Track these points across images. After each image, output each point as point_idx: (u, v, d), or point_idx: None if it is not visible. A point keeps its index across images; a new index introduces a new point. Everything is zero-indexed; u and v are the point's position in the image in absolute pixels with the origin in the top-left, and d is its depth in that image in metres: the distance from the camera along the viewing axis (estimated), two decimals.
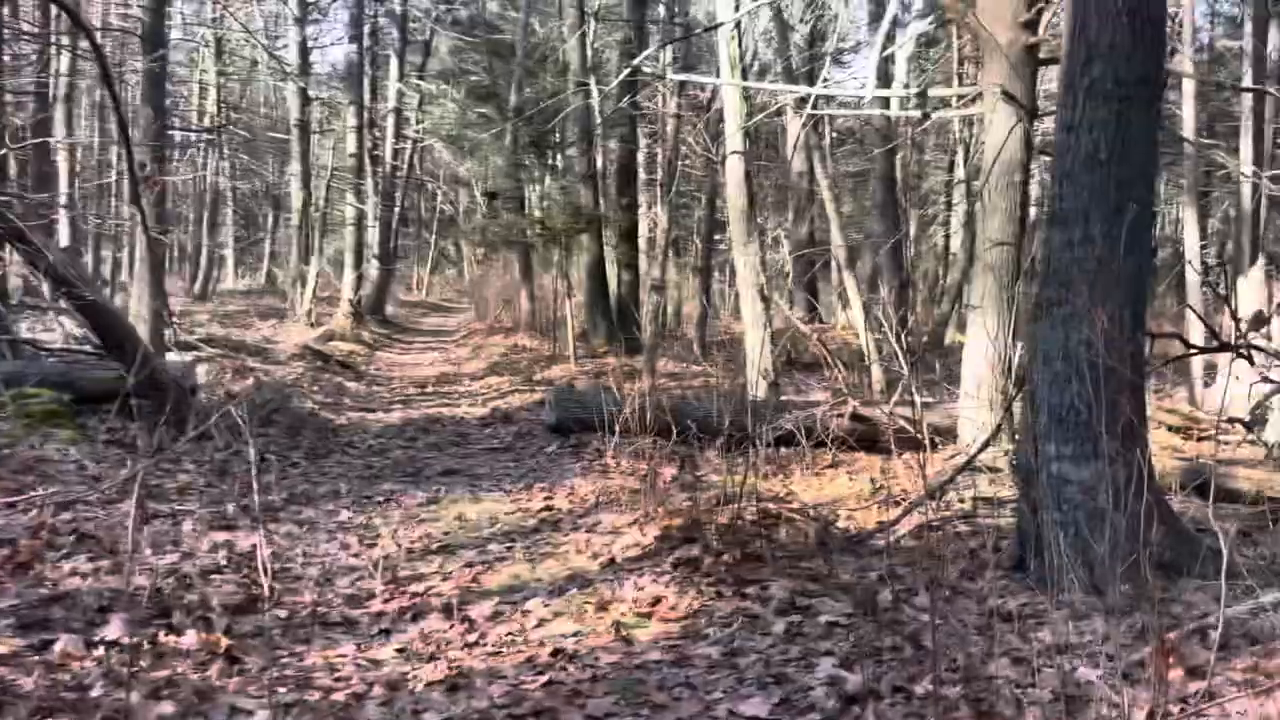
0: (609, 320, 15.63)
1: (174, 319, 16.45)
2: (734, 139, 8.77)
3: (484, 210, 24.35)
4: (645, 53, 10.94)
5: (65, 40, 16.94)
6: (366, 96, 26.50)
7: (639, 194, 16.07)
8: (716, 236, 17.20)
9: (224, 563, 4.31)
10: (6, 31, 12.29)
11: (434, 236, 37.72)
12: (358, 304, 21.23)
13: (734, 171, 8.90)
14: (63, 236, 15.99)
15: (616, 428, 6.81)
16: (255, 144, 33.31)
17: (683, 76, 9.55)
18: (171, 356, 11.88)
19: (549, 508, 5.70)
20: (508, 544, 4.96)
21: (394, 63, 24.99)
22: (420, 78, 26.47)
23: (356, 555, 4.76)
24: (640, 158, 18.19)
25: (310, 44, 25.53)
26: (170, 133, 18.74)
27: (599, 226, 15.17)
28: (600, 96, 13.65)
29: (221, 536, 4.76)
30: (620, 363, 13.84)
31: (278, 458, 6.94)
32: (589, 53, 14.29)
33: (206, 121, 27.61)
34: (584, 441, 7.45)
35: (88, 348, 7.87)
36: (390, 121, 25.40)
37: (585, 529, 5.16)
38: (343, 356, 14.85)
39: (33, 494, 4.58)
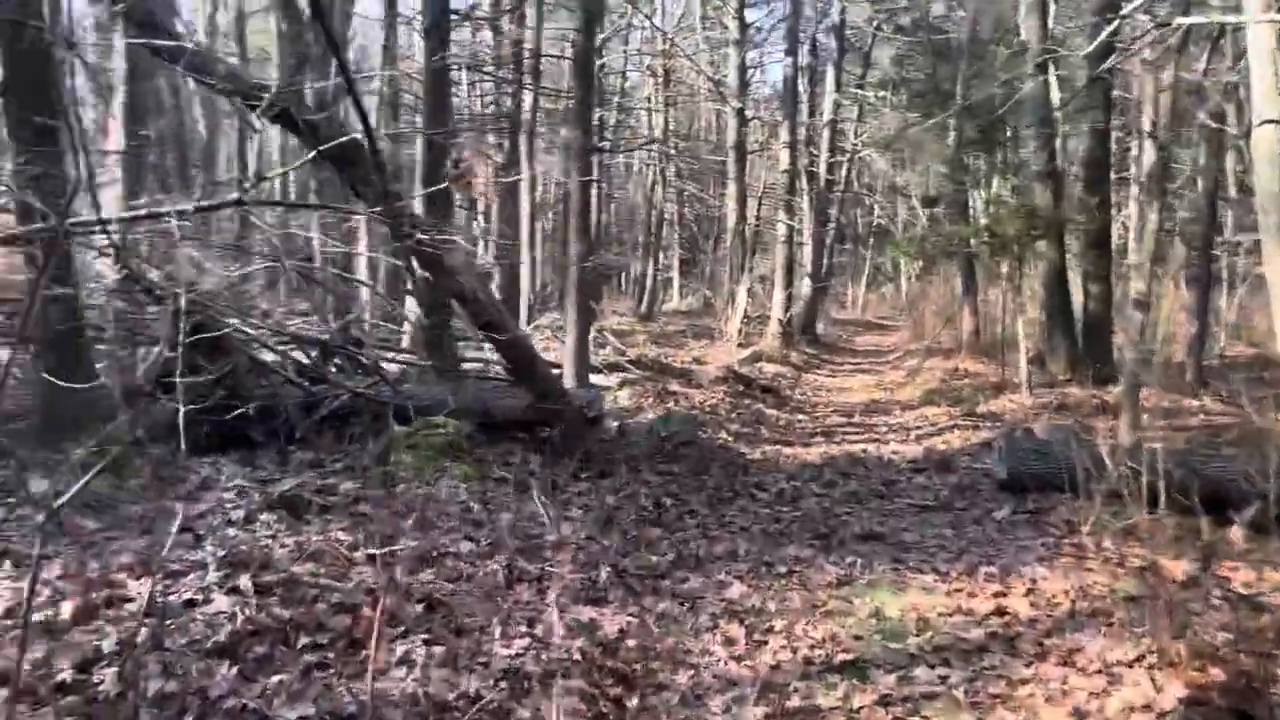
0: (1070, 342, 13.20)
1: (605, 337, 17.01)
2: (1270, 100, 6.43)
3: (923, 221, 22.56)
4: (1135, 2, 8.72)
5: (523, 78, 18.44)
6: (803, 112, 26.10)
7: (1111, 191, 13.42)
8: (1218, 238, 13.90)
9: (577, 657, 3.46)
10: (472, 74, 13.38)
11: (869, 251, 36.39)
12: (787, 323, 20.64)
13: (1268, 145, 6.54)
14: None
15: (1095, 493, 5.06)
16: (699, 169, 34.60)
17: (1191, 20, 7.30)
18: (598, 379, 11.97)
19: (1001, 611, 4.19)
20: (941, 670, 3.58)
21: (830, 75, 24.20)
22: (859, 87, 25.42)
23: (739, 659, 3.69)
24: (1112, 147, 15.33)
25: (749, 66, 25.73)
26: (605, 154, 19.57)
27: (1059, 231, 12.86)
28: (1060, 81, 11.48)
29: (587, 613, 3.96)
30: (1086, 394, 11.52)
31: (674, 502, 6.16)
32: (1049, 23, 12.13)
33: (656, 149, 29.05)
34: (1045, 506, 5.76)
35: (500, 373, 7.81)
36: (825, 135, 24.64)
37: (1057, 658, 3.61)
38: (766, 380, 14.15)
39: (392, 548, 4.13)
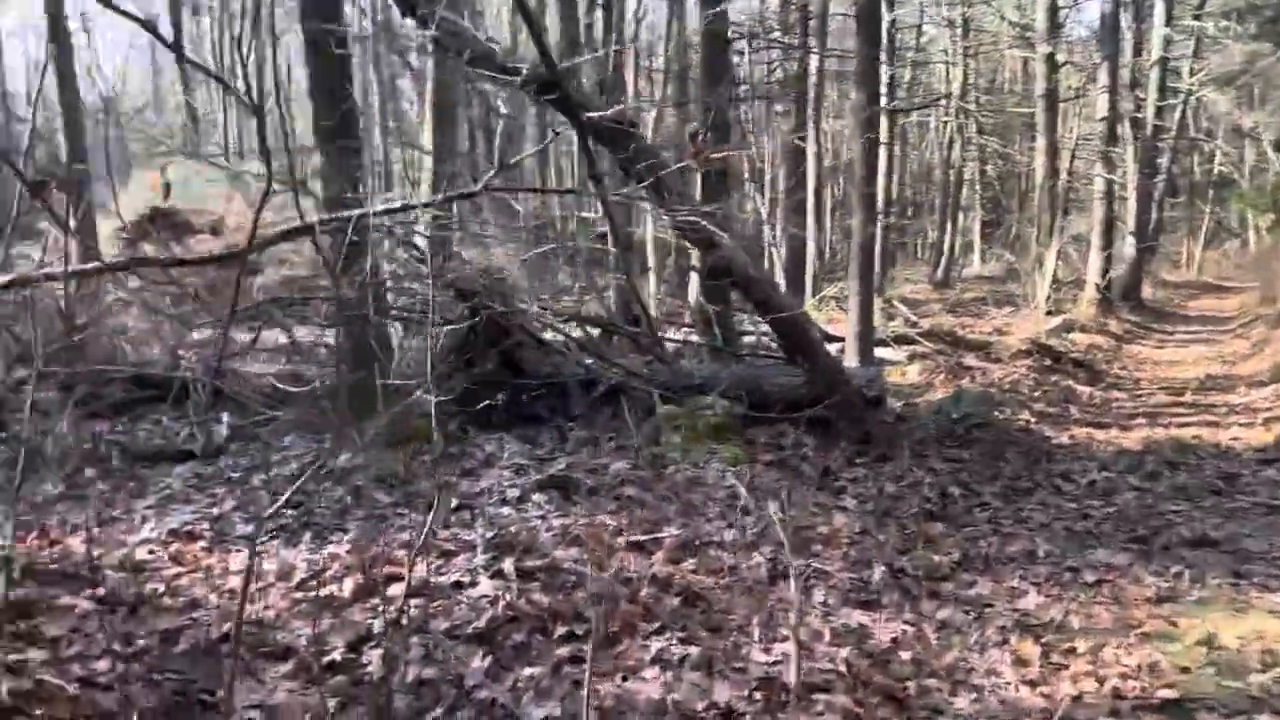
0: None
1: (895, 307, 16.18)
2: None
3: (1276, 167, 19.52)
4: None
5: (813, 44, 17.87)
6: (1126, 52, 23.33)
7: None
8: None
9: (842, 668, 3.18)
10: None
11: (1208, 205, 32.05)
12: (1105, 288, 18.64)
13: None
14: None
15: None
16: (1002, 124, 32.11)
17: None
18: (885, 352, 11.39)
19: None
20: None
21: (1160, 6, 21.39)
22: (1196, 18, 22.30)
23: (1032, 685, 3.23)
24: None
25: (1060, 5, 23.41)
26: (896, 115, 18.54)
27: None
28: None
29: (856, 618, 3.66)
30: None
31: (964, 492, 5.63)
32: None
33: (952, 105, 27.29)
34: None
35: (776, 351, 7.54)
36: (1154, 76, 21.84)
37: None
38: (1078, 353, 12.81)
39: (655, 535, 4.04)
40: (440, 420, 6.25)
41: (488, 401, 6.36)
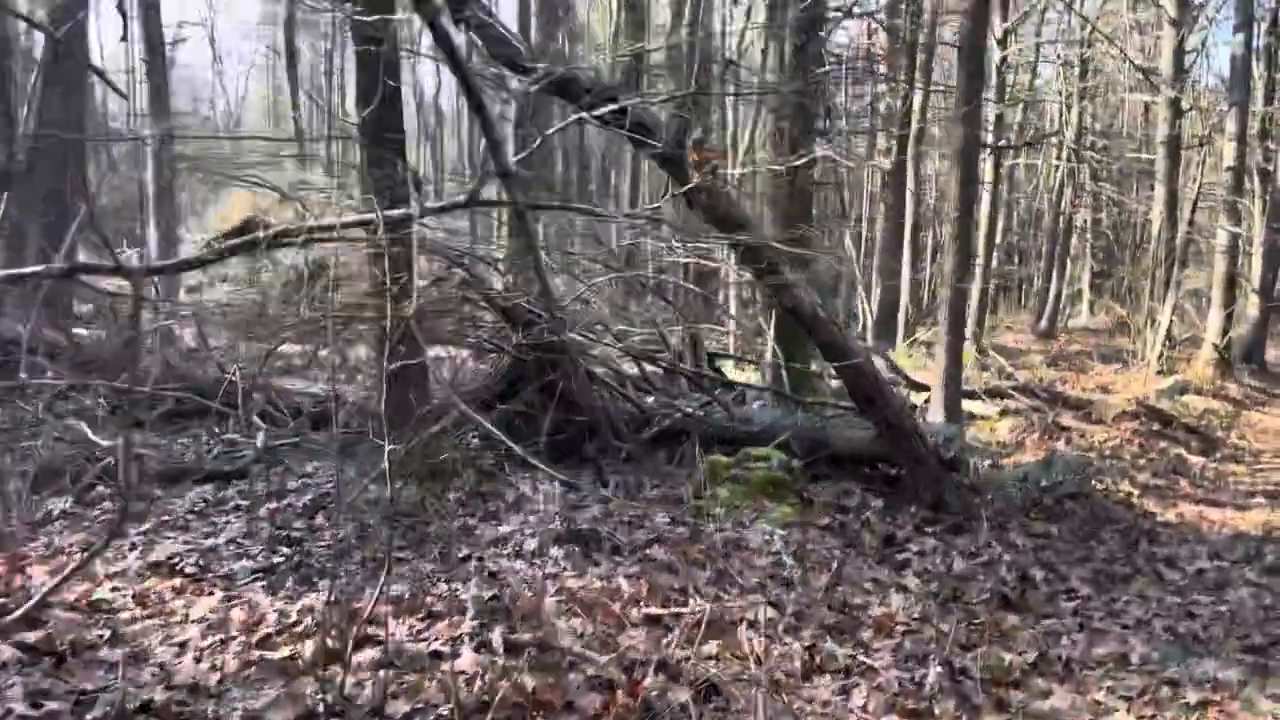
0: None
1: (991, 356, 15.29)
2: None
3: None
4: None
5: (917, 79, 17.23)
6: (1258, 99, 21.94)
7: None
8: None
9: None
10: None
11: None
12: (1224, 349, 17.33)
13: None
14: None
15: None
16: (1119, 170, 30.67)
17: None
18: (975, 405, 10.63)
19: None
20: None
21: None
22: None
23: None
24: None
25: (1188, 50, 22.21)
26: (1002, 156, 17.66)
27: None
28: None
29: None
30: None
31: (1047, 575, 4.95)
32: None
33: (1064, 148, 26.11)
34: None
35: (846, 401, 6.95)
36: None
37: None
38: (1191, 418, 11.79)
39: (676, 610, 3.53)
40: (476, 455, 5.92)
41: (534, 439, 6.01)
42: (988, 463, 7.73)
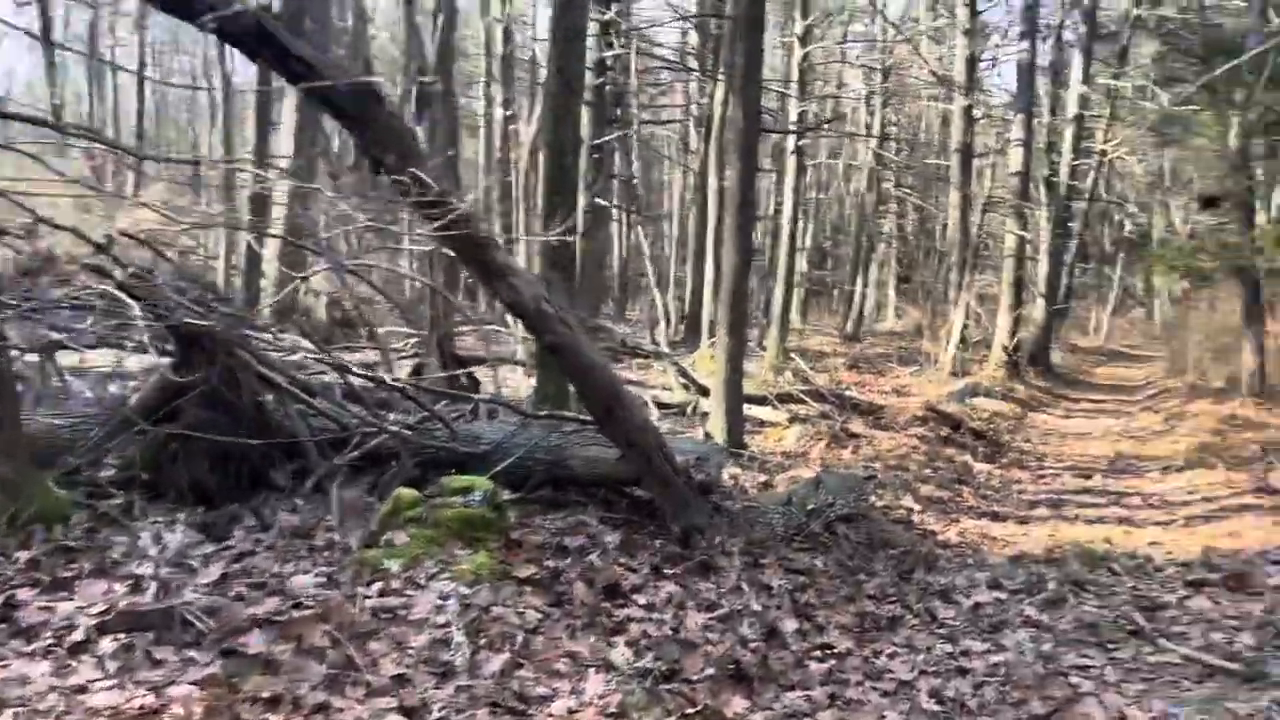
0: None
1: (793, 360, 14.87)
2: None
3: (1189, 229, 18.92)
4: None
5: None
6: (1043, 111, 22.81)
7: None
8: None
9: None
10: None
11: (1116, 271, 31.89)
12: (1014, 351, 17.67)
13: None
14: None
15: None
16: (920, 177, 31.64)
17: None
18: (764, 412, 9.95)
19: None
20: None
21: (1077, 62, 20.85)
22: (1115, 77, 21.82)
23: None
24: None
25: (980, 59, 22.82)
26: (805, 156, 17.38)
27: None
28: None
29: None
30: None
31: (801, 626, 4.07)
32: None
33: (867, 153, 26.53)
34: None
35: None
36: (1069, 134, 21.26)
37: None
38: (979, 422, 11.57)
39: None
40: (94, 493, 4.53)
41: (182, 464, 4.72)
42: (762, 479, 6.94)
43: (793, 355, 16.77)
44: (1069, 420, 14.00)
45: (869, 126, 26.89)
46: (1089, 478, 8.91)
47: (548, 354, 4.64)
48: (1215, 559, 5.53)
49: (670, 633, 3.67)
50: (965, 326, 17.80)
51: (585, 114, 13.83)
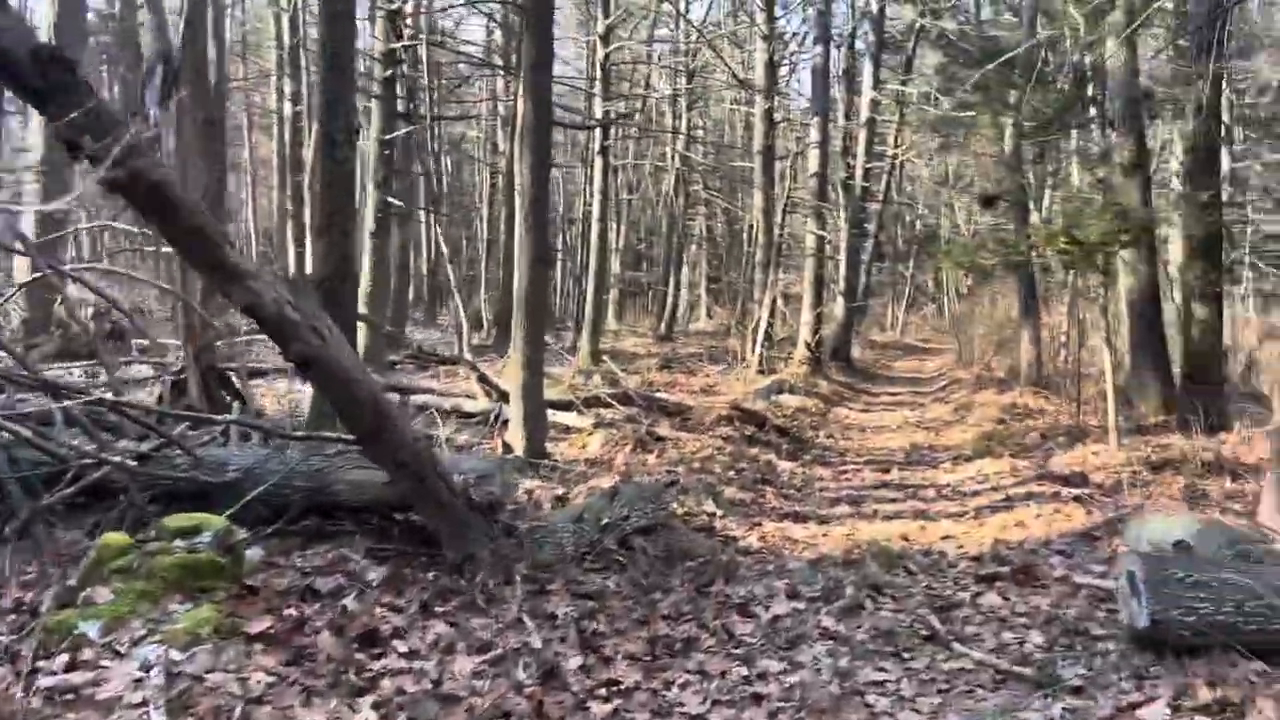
0: (1164, 377, 10.61)
1: (601, 362, 14.61)
2: None
3: (974, 224, 20.02)
4: None
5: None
6: (838, 115, 23.66)
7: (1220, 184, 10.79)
8: None
9: None
10: None
11: (909, 269, 33.67)
12: (816, 347, 18.12)
13: None
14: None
15: None
16: (728, 179, 32.28)
17: None
18: (569, 418, 9.59)
19: None
20: None
21: (868, 69, 21.74)
22: (903, 84, 22.88)
23: None
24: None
25: (779, 63, 23.41)
26: (607, 150, 17.21)
27: (1150, 238, 10.30)
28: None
29: None
30: (1193, 446, 8.91)
31: (586, 660, 3.70)
32: None
33: (677, 160, 26.78)
34: (1230, 697, 3.22)
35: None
36: (862, 138, 22.14)
37: None
38: (784, 419, 11.64)
39: None
40: None
41: None
42: (560, 491, 6.55)
43: (604, 358, 16.56)
44: (869, 414, 14.41)
45: (676, 128, 27.19)
46: (887, 471, 9.05)
47: (293, 363, 4.04)
48: (1004, 551, 5.59)
49: (431, 686, 3.20)
50: (771, 325, 18.12)
51: (376, 108, 13.10)
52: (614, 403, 10.45)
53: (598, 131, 17.35)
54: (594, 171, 17.96)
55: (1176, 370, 10.55)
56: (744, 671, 3.81)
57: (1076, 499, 6.78)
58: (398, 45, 12.53)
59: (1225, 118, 15.21)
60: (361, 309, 12.65)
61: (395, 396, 10.52)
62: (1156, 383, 10.55)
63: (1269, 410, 10.35)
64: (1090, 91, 11.46)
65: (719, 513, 6.57)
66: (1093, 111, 12.26)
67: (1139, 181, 10.02)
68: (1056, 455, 9.13)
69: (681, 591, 4.73)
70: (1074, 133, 12.51)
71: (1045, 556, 5.36)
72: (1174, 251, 11.78)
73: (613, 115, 17.54)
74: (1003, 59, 9.33)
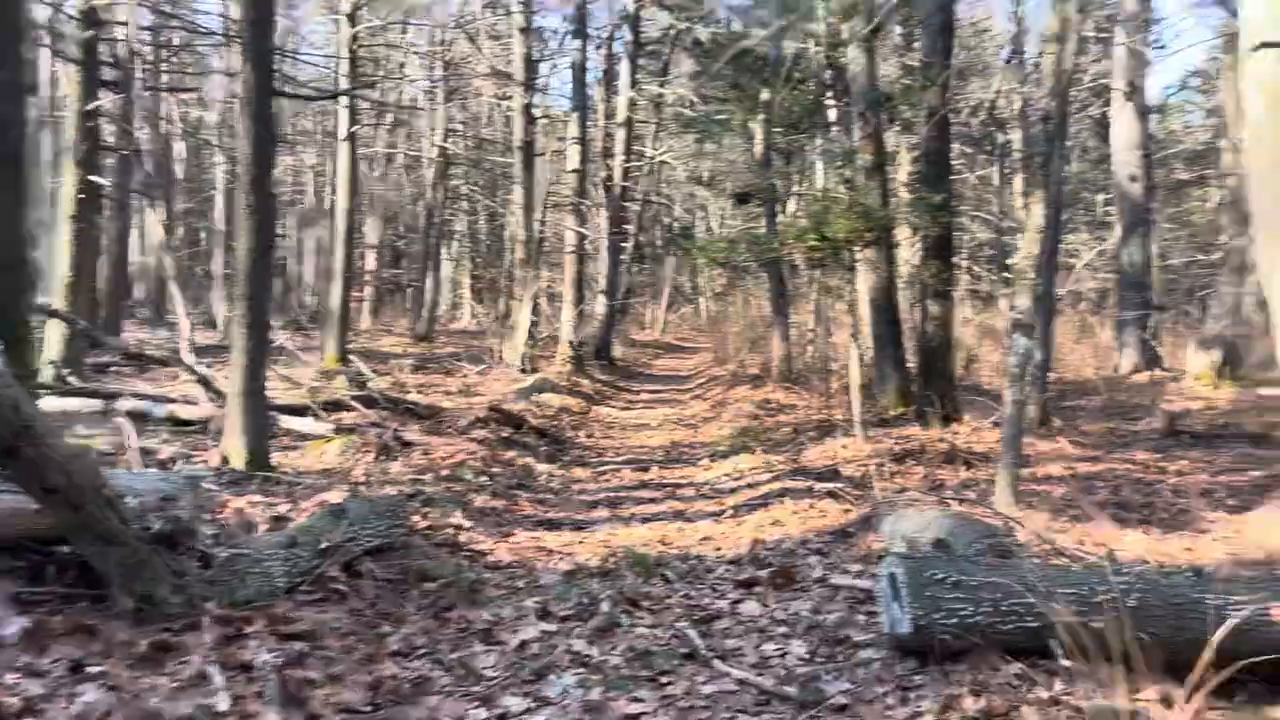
0: (902, 371, 11.11)
1: (349, 364, 13.62)
2: (1272, 20, 4.13)
3: (727, 226, 20.51)
4: None
5: None
6: (599, 114, 23.61)
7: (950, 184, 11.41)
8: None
9: None
10: None
11: (668, 270, 34.36)
12: (578, 347, 17.89)
13: (1261, 95, 4.22)
14: None
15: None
16: (492, 176, 31.57)
17: None
18: (306, 424, 8.67)
19: None
20: None
21: (626, 69, 21.78)
22: (661, 85, 23.11)
23: None
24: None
25: (537, 59, 23.03)
26: (355, 137, 16.17)
27: (890, 238, 10.74)
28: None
29: None
30: (930, 437, 9.33)
31: (281, 715, 3.05)
32: None
33: (435, 154, 25.74)
34: (997, 707, 3.07)
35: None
36: (621, 136, 22.16)
37: None
38: (545, 419, 11.23)
39: None
40: None
41: None
42: (285, 508, 5.73)
43: (352, 358, 15.47)
44: (630, 411, 14.29)
45: (433, 120, 26.18)
46: (647, 470, 8.82)
47: None
48: (763, 552, 5.41)
49: None
50: (533, 323, 17.70)
51: (73, 74, 11.41)
52: (358, 406, 9.62)
53: (344, 115, 16.21)
54: (340, 159, 16.77)
55: (913, 365, 11.09)
56: (482, 715, 3.29)
57: (830, 493, 6.78)
58: (100, 3, 10.97)
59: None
60: (59, 303, 11.01)
61: (98, 403, 9.16)
62: (896, 377, 11.01)
63: (993, 403, 11.06)
64: (834, 94, 11.84)
65: (467, 524, 6.00)
66: (833, 116, 12.71)
67: (879, 182, 10.39)
68: (808, 449, 9.27)
69: (416, 621, 4.14)
70: (819, 134, 12.94)
71: (803, 556, 5.21)
72: (906, 252, 12.45)
73: (355, 89, 16.36)
74: (751, 59, 9.34)
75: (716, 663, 3.71)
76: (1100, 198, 29.57)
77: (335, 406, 9.57)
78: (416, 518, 5.75)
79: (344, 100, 16.58)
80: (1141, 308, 16.32)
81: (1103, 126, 25.42)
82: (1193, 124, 29.98)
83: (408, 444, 8.42)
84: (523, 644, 4.00)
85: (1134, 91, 16.79)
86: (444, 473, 7.36)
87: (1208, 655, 2.81)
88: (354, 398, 9.80)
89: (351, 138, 16.32)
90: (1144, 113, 17.22)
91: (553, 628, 4.18)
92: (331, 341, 15.94)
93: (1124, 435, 10.68)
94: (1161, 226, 24.58)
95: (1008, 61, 20.46)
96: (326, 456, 7.90)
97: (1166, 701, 2.96)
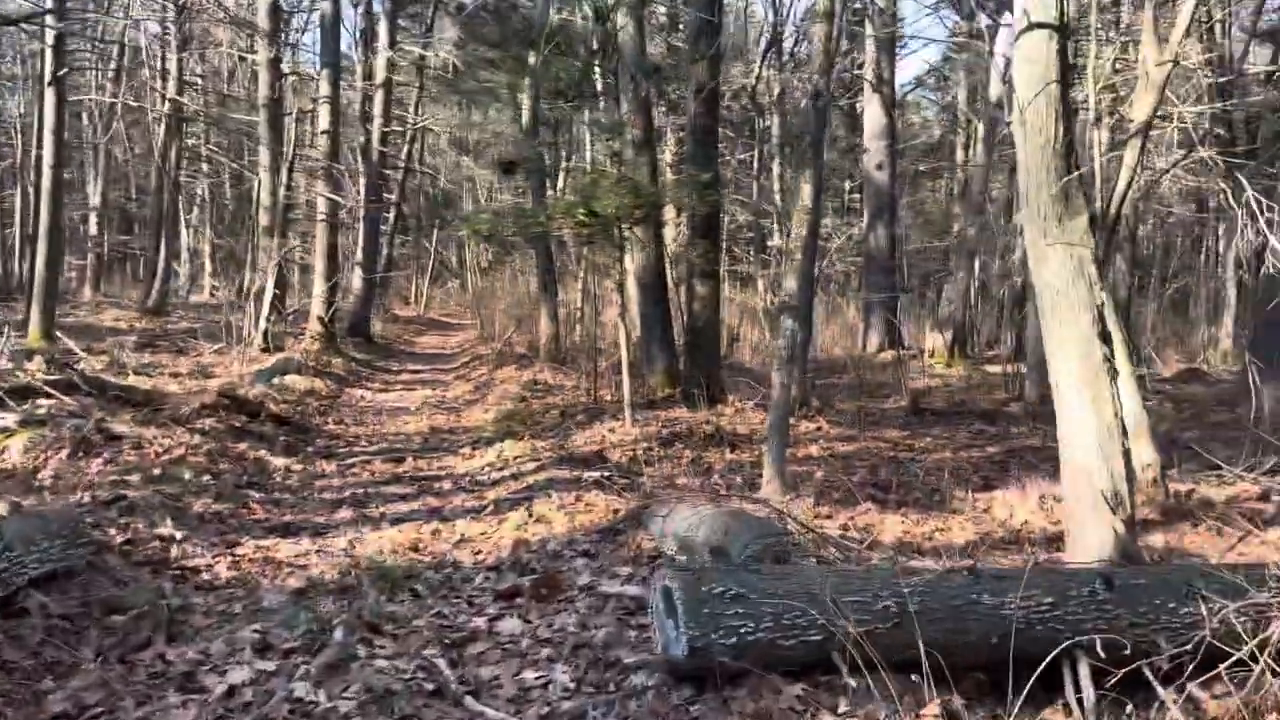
0: (670, 352, 10.98)
1: (54, 341, 11.88)
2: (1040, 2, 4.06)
3: (495, 199, 19.80)
4: None
5: None
6: (357, 75, 22.12)
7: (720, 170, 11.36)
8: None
9: None
10: None
11: (433, 243, 33.05)
12: (330, 322, 16.60)
13: (1030, 71, 4.17)
14: None
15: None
16: (235, 135, 28.94)
17: None
18: None
19: None
20: None
21: (384, 27, 20.45)
22: (425, 47, 21.90)
23: None
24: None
25: (286, 9, 21.24)
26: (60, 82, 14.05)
27: (658, 216, 10.55)
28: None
29: None
30: (697, 419, 9.23)
31: None
32: None
33: (166, 108, 23.11)
34: (766, 714, 2.75)
35: None
36: (379, 98, 20.82)
37: None
38: (287, 404, 10.18)
39: None
40: None
41: None
42: None
43: (60, 335, 13.51)
44: (387, 393, 13.37)
45: (165, 73, 23.53)
46: (401, 462, 8.10)
47: None
48: (525, 555, 4.92)
49: None
50: (278, 296, 16.22)
51: None
52: (55, 393, 8.22)
53: (49, 55, 14.04)
54: (45, 106, 14.55)
55: (681, 345, 10.99)
56: None
57: (598, 483, 6.41)
58: None
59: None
60: None
61: None
62: (664, 357, 10.86)
63: (755, 383, 11.17)
64: (601, 64, 11.49)
65: (179, 535, 5.10)
66: (601, 87, 12.37)
67: (648, 159, 10.14)
68: (575, 434, 8.89)
69: (93, 671, 3.33)
70: (588, 106, 12.56)
71: (569, 560, 4.78)
72: (672, 231, 12.36)
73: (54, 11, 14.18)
74: (520, 21, 8.75)
75: (469, 700, 3.20)
76: (848, 185, 31.32)
77: (27, 393, 8.13)
78: (113, 530, 4.82)
79: (49, 36, 14.37)
80: (887, 290, 17.24)
81: (851, 117, 26.86)
82: (930, 119, 32.30)
83: (115, 437, 7.23)
84: (231, 690, 3.31)
85: (881, 83, 17.66)
86: (156, 472, 6.33)
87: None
88: (50, 382, 8.37)
89: (58, 81, 14.17)
90: (891, 104, 18.16)
91: (272, 666, 3.49)
92: (35, 316, 13.83)
93: (874, 414, 11.10)
94: (900, 215, 26.23)
95: (768, 49, 20.99)
96: (7, 455, 6.63)
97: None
